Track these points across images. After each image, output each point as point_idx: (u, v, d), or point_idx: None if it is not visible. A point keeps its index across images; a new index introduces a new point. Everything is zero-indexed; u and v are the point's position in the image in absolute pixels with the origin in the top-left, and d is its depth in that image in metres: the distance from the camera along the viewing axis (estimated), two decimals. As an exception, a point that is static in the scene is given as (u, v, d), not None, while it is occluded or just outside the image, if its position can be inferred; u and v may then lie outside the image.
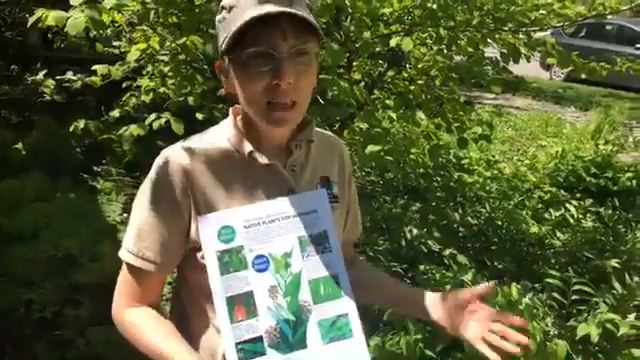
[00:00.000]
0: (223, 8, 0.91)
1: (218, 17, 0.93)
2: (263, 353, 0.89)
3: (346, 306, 0.94)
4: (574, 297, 2.64)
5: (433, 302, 1.05)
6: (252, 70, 0.87)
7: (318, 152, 1.05)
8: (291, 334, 0.90)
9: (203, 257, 0.92)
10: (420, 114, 2.84)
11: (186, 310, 1.01)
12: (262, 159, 0.96)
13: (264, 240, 0.92)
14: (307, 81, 0.91)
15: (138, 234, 0.95)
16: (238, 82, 0.91)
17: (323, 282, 0.93)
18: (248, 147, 0.96)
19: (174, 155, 0.95)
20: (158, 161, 0.96)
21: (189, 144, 0.97)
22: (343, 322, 0.92)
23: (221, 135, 0.99)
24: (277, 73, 0.86)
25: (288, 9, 0.84)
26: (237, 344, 0.88)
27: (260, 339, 0.89)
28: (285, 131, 0.97)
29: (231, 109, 1.01)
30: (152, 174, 0.96)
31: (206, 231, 0.91)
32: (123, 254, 0.97)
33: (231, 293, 0.90)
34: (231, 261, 0.91)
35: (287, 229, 0.94)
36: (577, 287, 2.64)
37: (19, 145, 4.58)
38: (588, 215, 4.03)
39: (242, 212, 0.93)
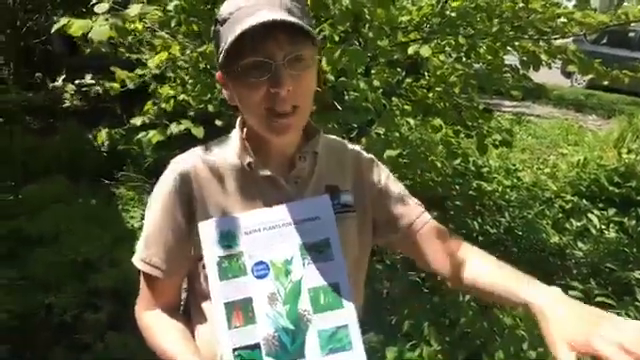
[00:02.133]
0: (217, 21, 0.91)
1: (213, 29, 0.93)
2: None
3: (346, 317, 0.91)
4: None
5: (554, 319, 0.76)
6: (249, 81, 0.87)
7: (326, 162, 1.03)
8: (289, 343, 0.89)
9: (204, 266, 0.92)
10: (438, 121, 2.82)
11: (191, 313, 1.03)
12: (263, 171, 0.96)
13: (264, 246, 0.92)
14: (306, 86, 0.90)
15: (146, 241, 0.99)
16: (237, 93, 0.92)
17: (323, 291, 0.91)
18: (249, 158, 0.96)
19: (180, 164, 0.98)
20: (166, 170, 0.99)
21: (196, 153, 0.99)
22: (343, 334, 0.90)
23: (228, 145, 1.00)
24: (275, 82, 0.85)
25: (280, 17, 0.83)
26: (234, 350, 0.88)
27: (258, 346, 0.88)
28: (288, 140, 0.96)
29: (238, 119, 1.02)
30: (159, 182, 0.99)
31: (206, 237, 0.92)
32: (134, 260, 1.00)
33: (229, 299, 0.89)
34: (230, 267, 0.90)
35: (288, 236, 0.92)
36: (599, 299, 2.59)
37: (42, 150, 4.67)
38: (611, 225, 3.95)
39: (243, 218, 0.93)
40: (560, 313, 0.75)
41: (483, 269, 0.99)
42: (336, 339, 0.90)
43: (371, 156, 1.12)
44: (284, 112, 0.89)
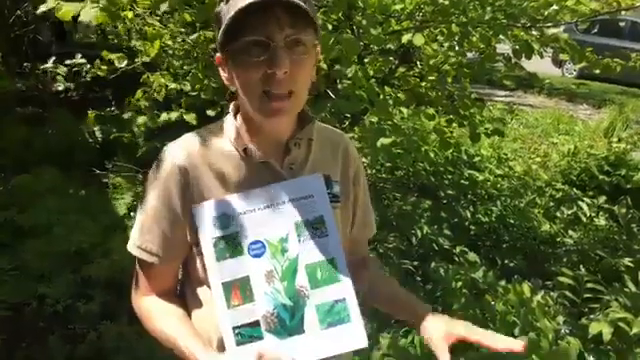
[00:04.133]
0: (221, 0, 0.91)
1: (216, 10, 0.93)
2: (260, 338, 0.89)
3: (344, 291, 0.93)
4: (586, 295, 2.62)
5: (430, 324, 1.03)
6: (248, 60, 0.87)
7: (320, 150, 1.04)
8: (288, 319, 0.91)
9: (200, 252, 0.93)
10: (432, 110, 2.83)
11: (186, 296, 1.03)
12: (258, 157, 0.96)
13: (260, 226, 0.93)
14: (303, 71, 0.90)
15: (142, 227, 0.98)
16: (235, 73, 0.92)
17: (320, 266, 0.93)
18: (245, 144, 0.96)
19: (174, 151, 0.97)
20: (160, 156, 0.98)
21: (190, 139, 0.99)
22: (341, 307, 0.92)
23: (221, 131, 1.00)
24: (273, 62, 0.85)
25: None
26: (234, 328, 0.89)
27: (257, 324, 0.90)
28: (281, 124, 0.96)
29: (232, 104, 1.01)
30: (153, 169, 0.98)
31: (202, 218, 0.92)
32: (130, 247, 1.00)
33: (227, 278, 0.91)
34: (227, 247, 0.91)
35: (283, 214, 0.93)
36: (589, 285, 2.62)
37: (33, 141, 4.62)
38: (601, 213, 3.99)
39: (237, 199, 0.94)
40: (436, 322, 1.03)
41: (390, 286, 1.18)
42: (334, 312, 0.92)
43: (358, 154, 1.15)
44: (280, 95, 0.88)
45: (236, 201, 0.93)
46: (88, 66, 2.57)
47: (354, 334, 0.92)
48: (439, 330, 0.99)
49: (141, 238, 0.98)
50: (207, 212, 0.93)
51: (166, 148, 0.99)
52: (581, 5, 2.23)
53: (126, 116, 2.86)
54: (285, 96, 0.89)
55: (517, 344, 0.94)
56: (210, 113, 2.79)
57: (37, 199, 3.70)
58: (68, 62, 2.69)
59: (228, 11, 0.87)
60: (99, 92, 5.31)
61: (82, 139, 4.71)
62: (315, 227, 0.94)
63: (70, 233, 3.31)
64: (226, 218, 0.92)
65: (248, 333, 0.89)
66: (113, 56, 2.45)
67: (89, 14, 1.68)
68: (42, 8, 1.78)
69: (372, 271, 1.18)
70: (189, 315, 1.01)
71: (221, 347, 0.91)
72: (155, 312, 0.99)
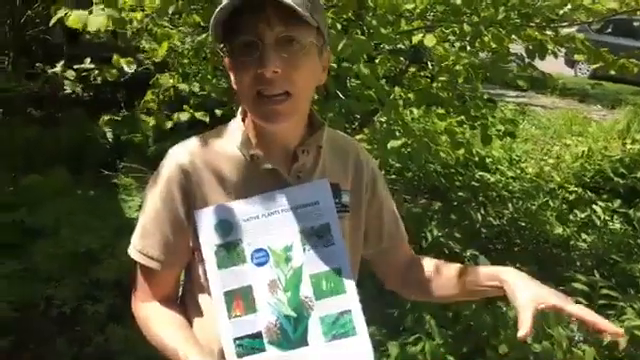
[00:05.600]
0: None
1: None
2: (262, 349, 0.86)
3: (349, 302, 0.89)
4: (600, 302, 2.57)
5: (518, 286, 0.91)
6: (239, 60, 0.85)
7: (329, 158, 1.00)
8: (292, 331, 0.87)
9: (200, 259, 0.91)
10: (442, 111, 2.79)
11: (187, 305, 1.01)
12: (265, 164, 0.93)
13: (263, 233, 0.90)
14: (300, 72, 0.86)
15: (143, 231, 0.96)
16: (232, 75, 0.90)
17: (325, 277, 0.89)
18: (251, 150, 0.93)
19: (177, 155, 0.95)
20: (164, 160, 0.96)
21: (194, 142, 0.97)
22: (346, 319, 0.88)
23: (228, 135, 0.97)
24: (260, 62, 0.83)
25: None
26: (235, 339, 0.86)
27: (259, 335, 0.87)
28: (283, 128, 0.93)
29: (240, 109, 0.98)
30: (157, 172, 0.96)
31: (203, 225, 0.90)
32: (130, 251, 0.97)
33: (229, 287, 0.88)
34: (229, 255, 0.89)
35: (287, 222, 0.90)
36: (603, 291, 2.58)
37: (43, 141, 4.64)
38: (615, 217, 3.93)
39: (240, 205, 0.91)
40: (526, 284, 0.91)
41: (449, 273, 1.06)
42: (339, 325, 0.88)
43: (374, 160, 1.11)
44: (272, 95, 0.85)
45: (239, 207, 0.90)
46: (96, 72, 2.57)
47: (360, 347, 0.88)
48: (528, 293, 0.88)
49: (142, 242, 0.95)
50: (208, 218, 0.90)
51: (170, 150, 0.97)
52: (598, 4, 2.18)
53: (137, 118, 2.87)
54: (280, 97, 0.86)
55: (619, 329, 0.85)
56: (217, 112, 2.79)
57: (46, 200, 3.71)
58: (76, 67, 2.70)
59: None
60: (110, 93, 5.33)
61: (92, 140, 4.73)
62: (320, 235, 0.91)
63: (79, 234, 3.31)
64: (228, 225, 0.89)
65: (250, 345, 0.86)
66: (123, 61, 2.45)
67: (95, 23, 1.69)
68: (54, 19, 1.82)
69: (422, 267, 1.10)
70: (190, 323, 0.98)
71: (223, 357, 0.89)
72: (154, 319, 0.96)
